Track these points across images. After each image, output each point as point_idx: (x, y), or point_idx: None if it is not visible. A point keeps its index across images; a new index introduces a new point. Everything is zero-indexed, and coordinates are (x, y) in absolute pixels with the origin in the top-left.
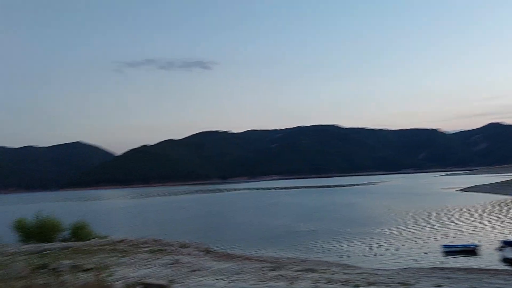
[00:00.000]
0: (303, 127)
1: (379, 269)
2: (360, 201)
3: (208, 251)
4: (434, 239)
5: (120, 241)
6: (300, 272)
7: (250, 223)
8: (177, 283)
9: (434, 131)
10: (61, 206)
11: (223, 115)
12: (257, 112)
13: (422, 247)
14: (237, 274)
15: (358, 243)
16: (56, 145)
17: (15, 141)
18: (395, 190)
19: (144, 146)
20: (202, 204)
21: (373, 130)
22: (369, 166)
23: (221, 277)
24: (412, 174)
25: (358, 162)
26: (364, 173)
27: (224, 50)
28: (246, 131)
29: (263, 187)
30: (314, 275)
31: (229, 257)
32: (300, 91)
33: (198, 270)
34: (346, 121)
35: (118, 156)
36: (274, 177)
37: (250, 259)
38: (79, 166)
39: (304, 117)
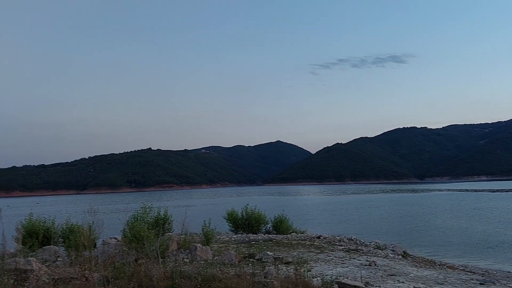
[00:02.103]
0: None
1: None
2: None
3: (406, 255)
4: None
5: (318, 237)
6: None
7: (452, 228)
8: (373, 287)
9: None
10: (264, 199)
11: (419, 110)
12: (458, 105)
13: None
14: (440, 284)
15: None
16: (260, 144)
17: (228, 141)
18: None
19: (338, 144)
20: (397, 204)
21: None
22: None
23: (421, 285)
24: None
25: None
26: None
27: (421, 41)
28: (447, 126)
29: (468, 188)
30: None
31: (429, 263)
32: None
33: (395, 274)
34: None
35: (314, 154)
36: (482, 178)
37: (454, 268)
38: (279, 163)
39: None
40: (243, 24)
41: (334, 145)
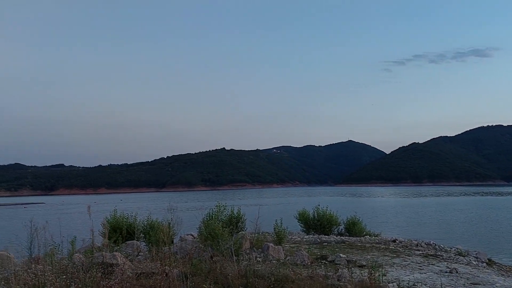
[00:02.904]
0: None
1: None
2: None
3: (491, 263)
4: None
5: (393, 241)
6: None
7: None
8: None
9: None
10: (335, 200)
11: (504, 107)
12: None
13: None
14: None
15: None
16: (331, 144)
17: (299, 141)
18: None
19: (414, 143)
20: (481, 207)
21: None
22: None
23: None
24: None
25: None
26: None
27: (507, 33)
28: None
29: None
30: None
31: None
32: None
33: (479, 283)
34: None
35: (388, 154)
36: None
37: None
38: (351, 163)
39: None
40: (312, 23)
41: (410, 144)
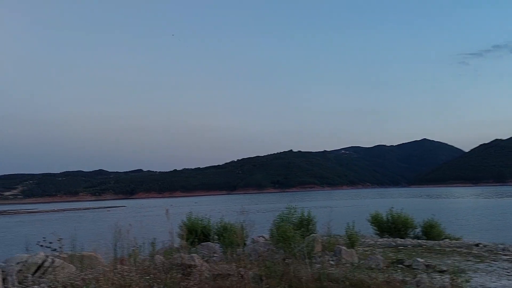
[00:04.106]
0: None
1: None
2: None
3: None
4: None
5: (476, 245)
6: None
7: None
8: None
9: None
10: (410, 202)
11: None
12: None
13: None
14: None
15: None
16: (403, 143)
17: (368, 141)
18: None
19: (497, 140)
20: None
21: None
22: None
23: None
24: None
25: None
26: None
27: None
28: None
29: None
30: None
31: None
32: None
33: None
34: None
35: (467, 152)
36: None
37: None
38: (426, 163)
39: None
40: (379, 16)
41: (492, 141)
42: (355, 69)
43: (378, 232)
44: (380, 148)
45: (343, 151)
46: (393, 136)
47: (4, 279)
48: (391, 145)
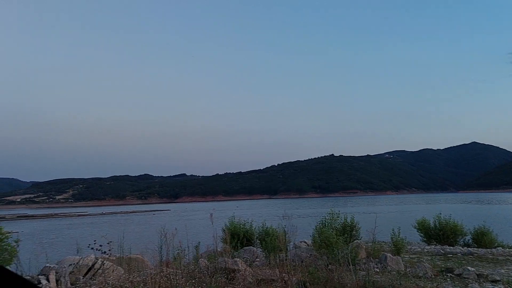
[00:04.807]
0: None
1: None
2: None
3: None
4: None
5: None
6: None
7: None
8: None
9: None
10: (459, 208)
11: None
12: None
13: None
14: None
15: None
16: (451, 147)
17: (414, 145)
18: None
19: None
20: None
21: None
22: None
23: None
24: None
25: None
26: None
27: None
28: None
29: None
30: None
31: None
32: None
33: None
34: None
35: None
36: None
37: None
38: (475, 167)
39: None
40: (425, 15)
41: None
42: (400, 70)
43: (425, 239)
44: (426, 152)
45: (387, 155)
46: (440, 139)
47: (57, 280)
48: (438, 149)
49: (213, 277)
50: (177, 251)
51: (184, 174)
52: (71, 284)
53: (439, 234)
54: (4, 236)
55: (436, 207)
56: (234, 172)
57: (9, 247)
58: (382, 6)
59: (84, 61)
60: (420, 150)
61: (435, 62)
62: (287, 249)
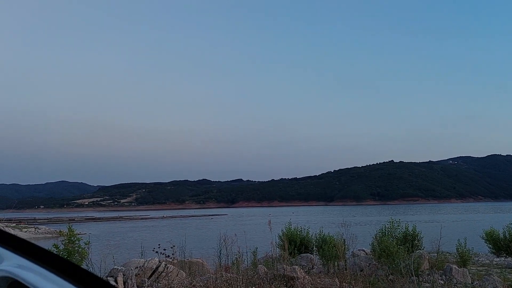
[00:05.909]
0: None
1: None
2: None
3: None
4: None
5: None
6: None
7: None
8: None
9: None
10: None
11: None
12: None
13: None
14: None
15: None
16: None
17: (480, 151)
18: None
19: None
20: None
21: None
22: None
23: None
24: None
25: None
26: None
27: None
28: None
29: None
30: None
31: None
32: None
33: None
34: None
35: None
36: None
37: None
38: None
39: None
40: (486, 15)
41: None
42: (463, 72)
43: (493, 251)
44: (494, 158)
45: (450, 161)
46: (508, 144)
47: (124, 282)
48: (508, 155)
49: (272, 284)
50: (236, 256)
51: (241, 179)
52: (137, 286)
53: (510, 245)
54: (76, 238)
55: (506, 216)
56: (290, 178)
57: (80, 249)
58: (447, 7)
59: (152, 67)
60: (488, 156)
61: (501, 61)
62: (345, 257)
